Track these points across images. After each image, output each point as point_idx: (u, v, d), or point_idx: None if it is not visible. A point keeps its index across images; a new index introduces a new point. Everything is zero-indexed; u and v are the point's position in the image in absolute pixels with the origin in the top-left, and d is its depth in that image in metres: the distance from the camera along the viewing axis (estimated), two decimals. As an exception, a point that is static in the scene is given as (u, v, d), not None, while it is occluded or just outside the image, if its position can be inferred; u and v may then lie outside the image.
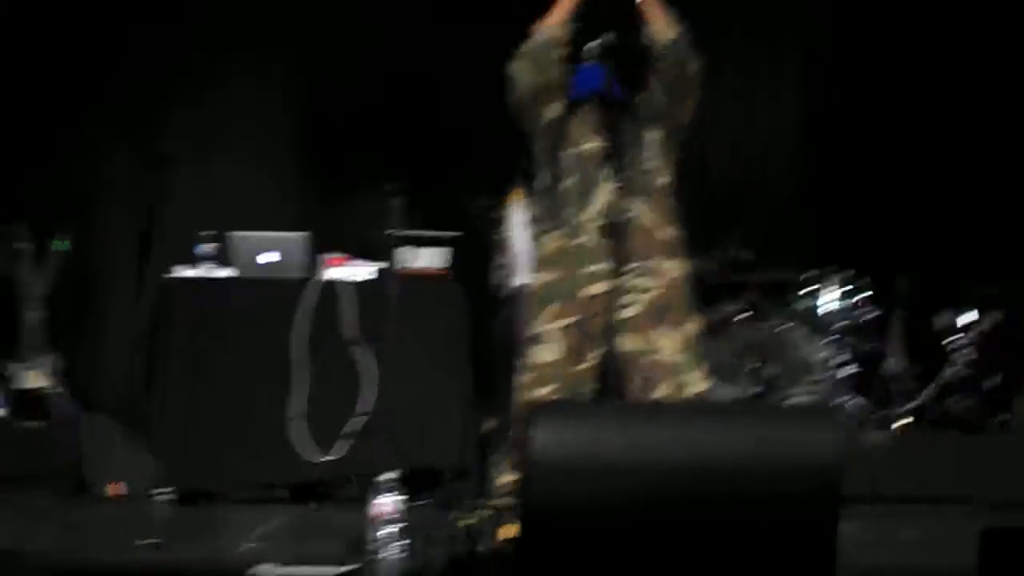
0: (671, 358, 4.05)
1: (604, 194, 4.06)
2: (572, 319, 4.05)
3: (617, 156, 3.99)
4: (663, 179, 4.17)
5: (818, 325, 6.39)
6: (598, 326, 4.06)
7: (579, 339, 4.05)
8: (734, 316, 6.47)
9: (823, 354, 6.30)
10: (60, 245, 6.08)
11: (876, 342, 6.35)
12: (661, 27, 4.10)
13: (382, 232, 5.27)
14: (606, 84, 4.10)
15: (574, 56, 4.22)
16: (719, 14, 6.98)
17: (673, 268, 4.14)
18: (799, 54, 7.15)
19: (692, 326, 4.14)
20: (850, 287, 6.34)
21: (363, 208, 6.11)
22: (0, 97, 6.39)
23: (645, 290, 4.06)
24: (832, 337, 6.35)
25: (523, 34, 4.21)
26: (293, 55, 6.76)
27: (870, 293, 6.34)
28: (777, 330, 6.34)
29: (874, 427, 6.03)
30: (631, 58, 4.17)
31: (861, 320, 6.35)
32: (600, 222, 4.05)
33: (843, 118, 6.88)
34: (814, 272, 6.39)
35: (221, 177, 6.65)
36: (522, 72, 4.12)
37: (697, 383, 4.09)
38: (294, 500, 5.24)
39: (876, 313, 6.35)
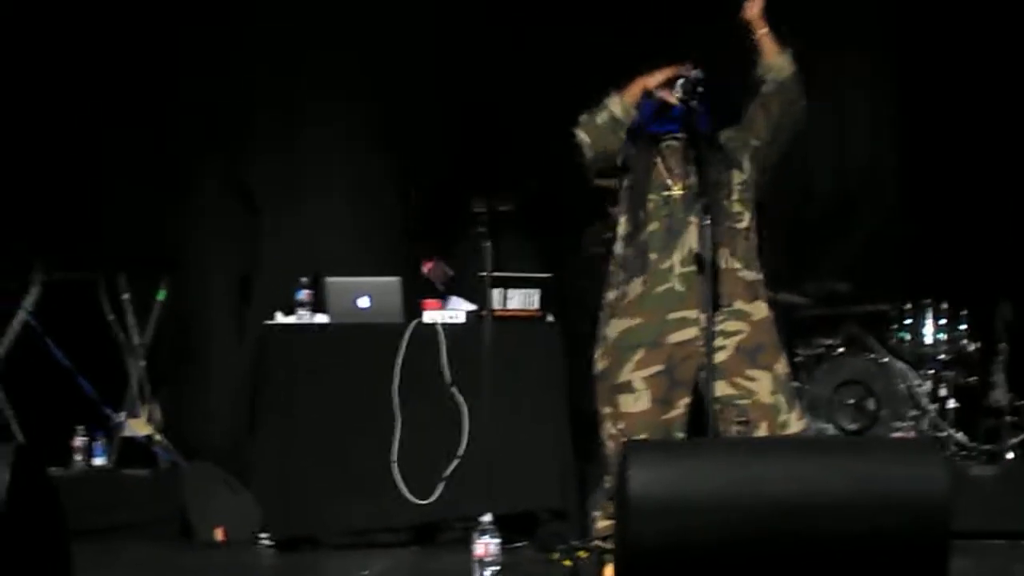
0: (766, 400, 3.97)
1: (689, 238, 4.00)
2: (659, 367, 4.00)
3: (702, 198, 3.90)
4: (746, 221, 4.10)
5: (919, 357, 6.29)
6: (687, 372, 4.01)
7: (667, 387, 3.99)
8: (833, 349, 6.39)
9: (925, 387, 6.19)
10: (160, 294, 6.19)
11: (980, 374, 6.22)
12: (780, 62, 4.09)
13: (476, 274, 5.30)
14: (691, 119, 4.04)
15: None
16: (815, 41, 6.96)
17: (759, 310, 4.06)
18: (893, 84, 7.07)
19: (782, 366, 4.06)
20: (951, 318, 6.23)
21: (457, 251, 6.14)
22: (97, 149, 6.54)
23: (733, 333, 4.00)
24: (934, 369, 6.24)
25: (616, 82, 4.21)
26: (387, 97, 6.82)
27: (970, 324, 6.23)
28: (878, 363, 6.24)
29: (981, 461, 5.90)
30: (720, 95, 4.14)
31: (963, 351, 6.23)
32: (686, 268, 4.00)
33: (938, 146, 6.78)
34: (913, 303, 6.29)
35: (316, 222, 6.73)
36: (586, 143, 4.15)
37: (794, 423, 4.02)
38: (394, 545, 5.25)
39: (978, 344, 6.23)
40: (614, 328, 4.09)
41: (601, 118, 4.12)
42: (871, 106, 7.09)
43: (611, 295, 4.14)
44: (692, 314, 3.96)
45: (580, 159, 4.20)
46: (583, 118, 4.16)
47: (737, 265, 4.04)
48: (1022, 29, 6.59)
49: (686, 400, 4.02)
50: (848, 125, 7.07)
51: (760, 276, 4.13)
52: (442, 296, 5.69)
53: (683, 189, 4.06)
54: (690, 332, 3.97)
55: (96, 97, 6.54)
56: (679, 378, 4.00)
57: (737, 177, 4.11)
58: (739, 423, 3.94)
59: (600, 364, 4.12)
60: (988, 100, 6.71)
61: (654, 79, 4.11)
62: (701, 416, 3.97)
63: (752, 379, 3.96)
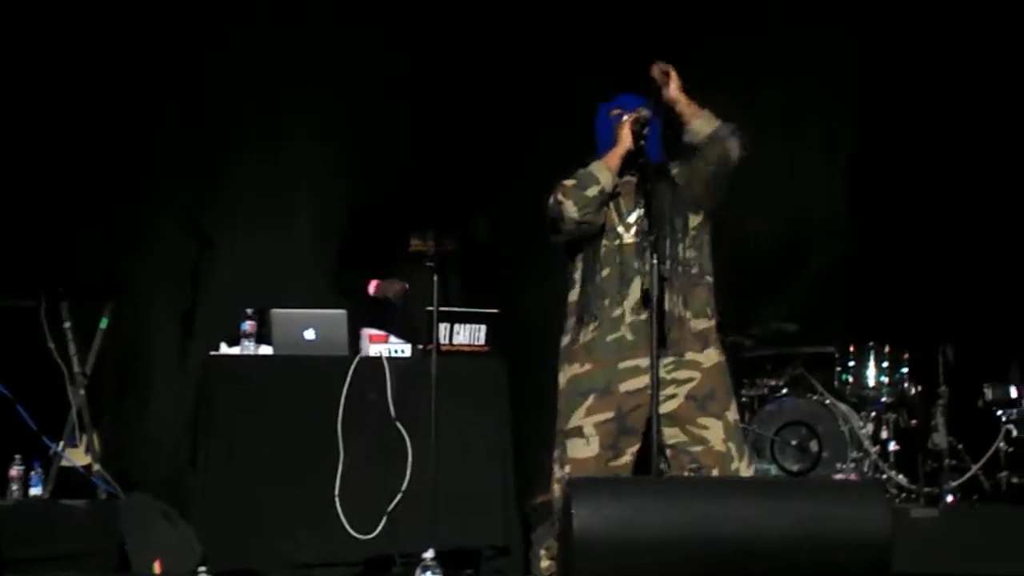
0: (719, 447, 3.96)
1: (640, 286, 3.98)
2: (609, 414, 3.98)
3: (650, 235, 3.88)
4: (697, 267, 4.09)
5: (862, 399, 6.34)
6: (637, 420, 3.99)
7: (616, 434, 3.98)
8: (777, 390, 6.43)
9: (867, 429, 6.24)
10: (103, 322, 6.12)
11: (921, 416, 6.28)
12: (698, 124, 4.06)
13: (422, 309, 5.29)
14: (639, 157, 4.04)
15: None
16: (760, 84, 7.06)
17: (709, 357, 4.06)
18: (843, 126, 7.16)
19: (733, 413, 4.06)
20: (893, 361, 6.29)
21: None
22: (41, 172, 6.47)
23: (684, 382, 4.00)
24: (876, 411, 6.29)
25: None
26: (343, 129, 6.82)
27: (912, 367, 6.29)
28: (821, 404, 6.28)
29: (922, 503, 5.94)
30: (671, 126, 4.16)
31: (905, 394, 6.29)
32: (637, 316, 3.98)
33: (885, 189, 6.87)
34: (856, 345, 6.35)
35: (261, 254, 6.70)
36: (572, 216, 4.00)
37: (744, 471, 4.01)
38: (336, 579, 5.21)
39: (920, 387, 6.29)
40: (565, 373, 4.09)
41: (592, 192, 3.98)
42: (820, 147, 7.17)
43: (564, 340, 4.13)
44: (643, 362, 3.93)
45: (556, 225, 4.07)
46: (569, 189, 4.00)
47: (688, 314, 4.03)
48: (978, 73, 6.69)
49: (634, 447, 4.00)
50: (796, 165, 7.15)
51: (712, 323, 4.11)
52: (375, 323, 5.63)
53: (635, 236, 4.04)
54: (641, 380, 3.94)
55: (44, 120, 6.48)
56: (629, 425, 3.99)
57: (692, 221, 4.11)
58: (691, 470, 3.95)
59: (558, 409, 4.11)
60: (936, 146, 6.81)
61: (625, 143, 4.03)
62: (650, 461, 3.96)
63: (704, 427, 3.96)
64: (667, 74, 4.05)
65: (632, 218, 4.08)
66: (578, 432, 4.00)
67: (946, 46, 6.79)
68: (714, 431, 3.98)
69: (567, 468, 3.99)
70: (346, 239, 6.50)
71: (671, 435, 3.97)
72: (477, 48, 6.79)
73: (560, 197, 4.02)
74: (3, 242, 6.28)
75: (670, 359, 3.98)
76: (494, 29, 6.82)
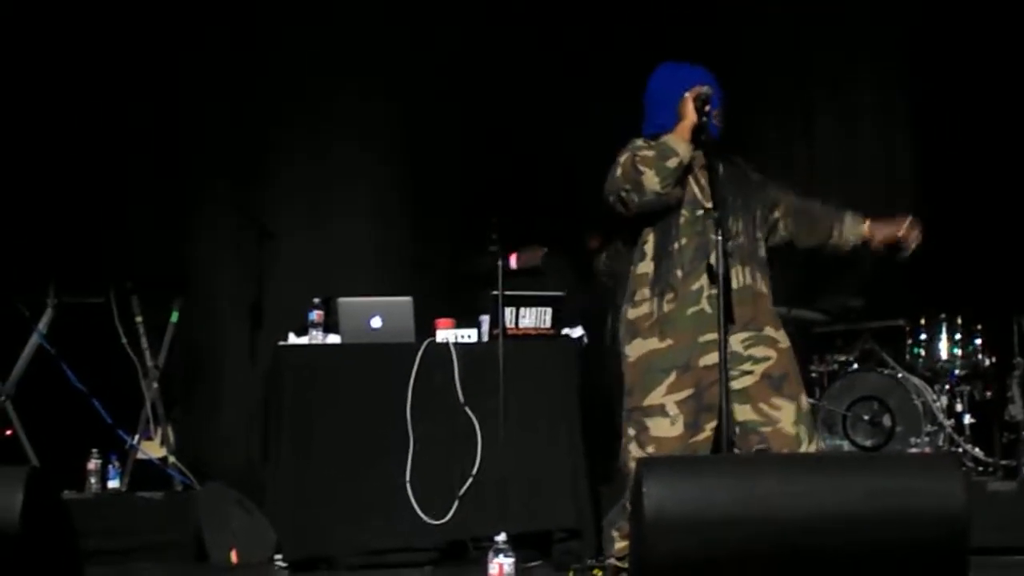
0: (789, 430, 3.88)
1: (716, 259, 3.83)
2: (689, 391, 3.91)
3: (718, 222, 3.77)
4: (763, 250, 4.04)
5: (935, 372, 6.26)
6: (715, 396, 3.86)
7: (696, 410, 3.90)
8: (848, 365, 6.37)
9: (941, 402, 6.16)
10: (174, 317, 6.19)
11: (996, 388, 6.19)
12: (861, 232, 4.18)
13: (489, 293, 5.30)
14: (702, 134, 3.99)
15: None
16: (828, 55, 7.01)
17: (784, 338, 4.00)
18: (905, 97, 7.08)
19: (806, 398, 4.00)
20: (965, 333, 6.21)
21: (470, 269, 6.14)
22: (103, 171, 6.56)
23: (762, 359, 3.94)
24: (949, 384, 6.21)
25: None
26: (396, 119, 6.86)
27: (985, 338, 6.20)
28: (893, 379, 6.22)
29: (999, 476, 5.86)
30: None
31: (979, 366, 6.21)
32: (714, 289, 3.87)
33: (952, 159, 6.77)
34: (927, 318, 6.27)
35: (328, 243, 6.75)
36: (654, 188, 3.88)
37: None
38: (409, 565, 5.23)
39: (994, 358, 6.20)
40: (638, 348, 3.98)
41: (672, 163, 3.88)
42: (883, 120, 7.10)
43: (633, 313, 4.02)
44: (719, 337, 3.81)
45: (630, 196, 3.94)
46: (650, 159, 3.89)
47: (765, 291, 4.01)
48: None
49: (713, 423, 3.92)
50: (860, 138, 7.08)
51: (778, 308, 4.11)
52: (523, 286, 5.63)
53: (709, 207, 3.93)
54: (718, 355, 3.81)
55: (110, 119, 6.58)
56: (708, 402, 3.89)
57: (764, 212, 4.09)
58: (760, 450, 3.90)
59: (627, 383, 4.04)
60: (1001, 113, 6.70)
61: (691, 118, 3.93)
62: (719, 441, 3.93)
63: (776, 407, 3.89)
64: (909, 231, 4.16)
65: (704, 185, 4.01)
66: (660, 410, 3.91)
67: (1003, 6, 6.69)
68: (786, 412, 3.92)
69: (650, 448, 3.93)
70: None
71: (741, 413, 3.91)
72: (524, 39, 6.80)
73: (641, 167, 3.90)
74: (71, 240, 6.38)
75: (749, 333, 3.92)
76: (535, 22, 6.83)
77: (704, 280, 3.93)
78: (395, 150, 6.87)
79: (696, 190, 4.01)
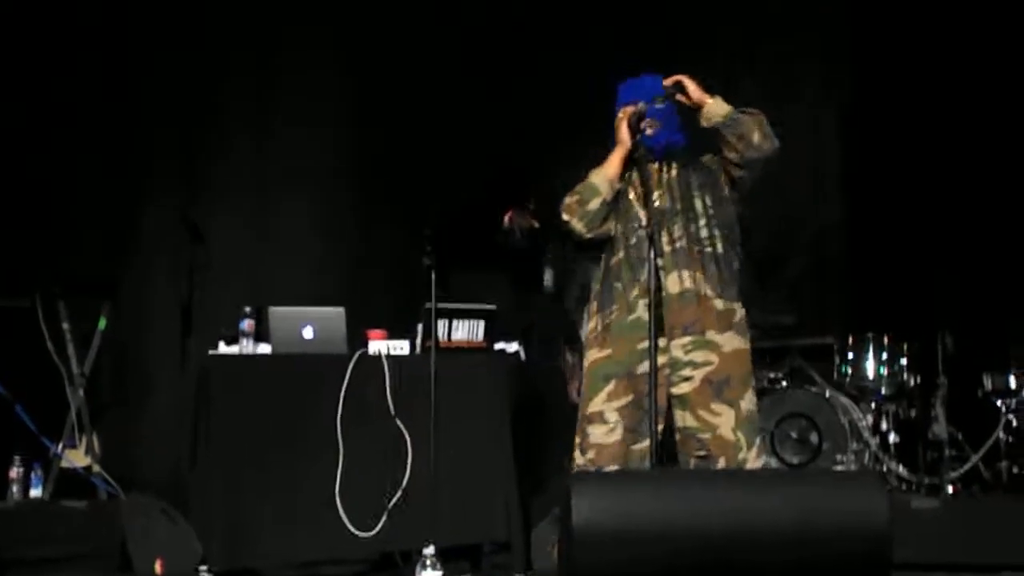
0: (727, 436, 3.94)
1: (655, 265, 3.96)
2: (628, 397, 3.98)
3: (651, 238, 3.92)
4: (718, 248, 4.10)
5: (861, 390, 6.34)
6: (656, 402, 3.93)
7: (636, 417, 3.97)
8: (777, 382, 6.43)
9: (867, 420, 6.24)
10: (101, 323, 6.12)
11: (921, 407, 6.28)
12: (709, 108, 4.09)
13: (420, 305, 5.29)
14: (639, 148, 4.06)
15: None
16: (753, 70, 7.06)
17: (731, 341, 4.04)
18: (835, 113, 7.16)
19: (748, 402, 4.02)
20: (892, 351, 6.29)
21: (400, 281, 6.14)
22: (34, 172, 6.47)
23: (702, 364, 3.99)
24: (875, 402, 6.29)
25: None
26: (343, 112, 6.82)
27: (911, 357, 6.29)
28: (821, 396, 6.28)
29: (923, 494, 5.94)
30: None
31: (905, 385, 6.29)
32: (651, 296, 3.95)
33: (881, 177, 6.86)
34: (855, 336, 6.35)
35: (266, 244, 6.71)
36: (581, 231, 4.12)
37: (752, 462, 3.99)
38: (337, 577, 5.21)
39: (919, 377, 6.29)
40: (588, 359, 4.13)
41: (592, 205, 4.09)
42: (815, 132, 7.16)
43: (586, 329, 4.17)
44: (660, 342, 3.95)
45: (571, 237, 4.18)
46: (571, 205, 4.12)
47: (709, 292, 4.04)
48: (973, 53, 6.68)
49: (658, 427, 3.98)
50: (791, 155, 7.12)
51: (735, 306, 4.10)
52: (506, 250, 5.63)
53: (647, 219, 4.04)
54: (658, 360, 3.93)
55: (40, 119, 6.49)
56: (648, 407, 3.94)
57: (712, 201, 4.13)
58: (699, 456, 3.94)
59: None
60: (931, 131, 6.80)
61: (624, 143, 4.09)
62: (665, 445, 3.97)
63: (716, 413, 3.94)
64: (680, 84, 4.09)
65: (644, 195, 4.12)
66: (599, 418, 4.01)
67: (942, 8, 6.78)
68: (725, 418, 3.96)
69: (590, 454, 3.98)
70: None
71: (682, 419, 3.96)
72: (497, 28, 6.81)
73: (566, 217, 4.13)
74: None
75: (690, 338, 3.98)
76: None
77: (643, 286, 4.01)
78: (341, 146, 6.81)
79: (635, 204, 4.08)
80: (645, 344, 3.93)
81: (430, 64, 6.79)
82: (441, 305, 5.23)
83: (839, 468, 6.06)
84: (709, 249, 4.09)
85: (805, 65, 7.15)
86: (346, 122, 6.81)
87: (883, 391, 6.31)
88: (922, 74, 6.81)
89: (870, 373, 6.32)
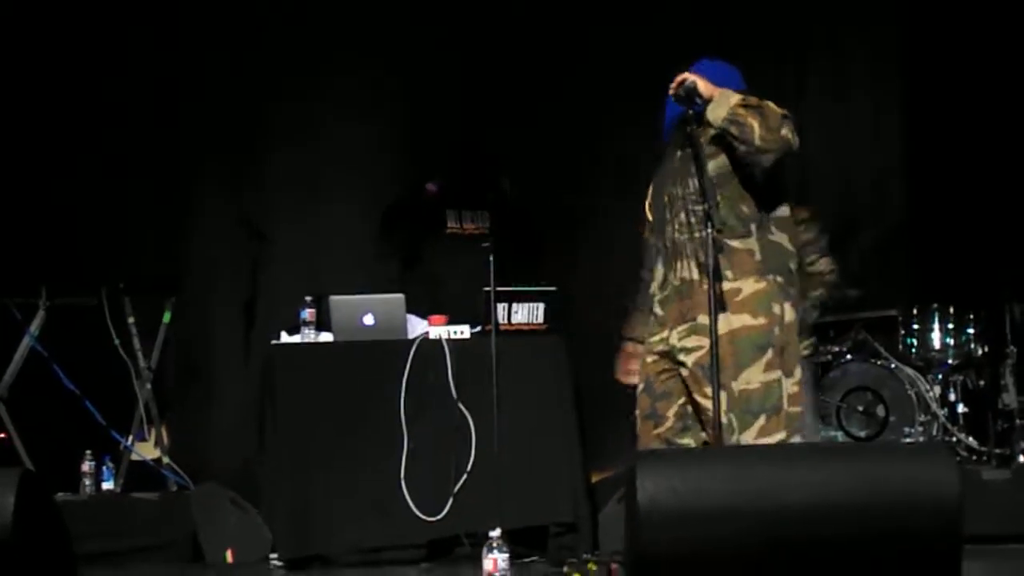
0: (721, 419, 3.83)
1: (669, 259, 4.06)
2: (641, 385, 4.08)
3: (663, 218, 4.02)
4: (709, 229, 3.85)
5: (928, 362, 6.26)
6: (663, 383, 4.02)
7: (651, 402, 4.04)
8: (842, 356, 6.37)
9: (935, 392, 6.17)
10: (166, 317, 6.19)
11: (989, 377, 6.20)
12: (712, 108, 3.90)
13: (480, 289, 5.29)
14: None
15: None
16: (818, 45, 7.00)
17: (729, 322, 3.88)
18: (898, 85, 7.06)
19: (743, 383, 3.87)
20: (958, 322, 6.21)
21: (462, 266, 6.14)
22: (95, 171, 6.55)
23: (693, 350, 3.94)
24: (943, 374, 6.22)
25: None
26: (395, 104, 6.83)
27: (978, 327, 6.21)
28: (887, 369, 6.22)
29: (993, 465, 5.87)
30: None
31: (972, 355, 6.21)
32: (662, 292, 4.06)
33: (944, 148, 6.76)
34: (920, 308, 6.27)
35: (323, 236, 6.74)
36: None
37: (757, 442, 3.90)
38: (405, 562, 5.23)
39: (987, 347, 6.20)
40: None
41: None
42: (875, 107, 7.07)
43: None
44: (664, 332, 4.03)
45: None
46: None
47: (696, 276, 3.98)
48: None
49: (673, 409, 4.00)
50: (853, 128, 7.06)
51: (737, 284, 3.92)
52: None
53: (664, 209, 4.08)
54: (661, 348, 4.03)
55: (101, 119, 6.56)
56: (659, 390, 4.02)
57: (695, 183, 3.95)
58: (705, 443, 3.97)
59: None
60: (993, 101, 6.69)
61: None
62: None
63: (709, 396, 3.82)
64: (682, 84, 3.94)
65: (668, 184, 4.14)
66: (635, 406, 4.11)
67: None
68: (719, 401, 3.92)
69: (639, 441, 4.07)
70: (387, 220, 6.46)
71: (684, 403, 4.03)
72: (523, 26, 6.79)
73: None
74: (62, 241, 6.37)
75: (685, 325, 3.98)
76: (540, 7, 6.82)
77: (656, 284, 4.10)
78: (393, 135, 6.82)
79: (658, 183, 4.14)
80: (654, 336, 4.06)
81: (477, 55, 6.78)
82: (500, 288, 5.23)
83: (907, 441, 6.00)
84: (696, 234, 3.95)
85: (864, 41, 7.05)
86: (391, 115, 6.82)
87: (950, 362, 6.23)
88: (984, 42, 6.70)
89: (936, 344, 6.24)
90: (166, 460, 6.02)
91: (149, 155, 6.68)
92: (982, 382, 6.26)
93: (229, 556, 5.38)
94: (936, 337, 6.23)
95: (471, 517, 5.17)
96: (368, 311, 5.38)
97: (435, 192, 6.05)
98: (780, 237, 4.01)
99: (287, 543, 5.23)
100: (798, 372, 3.98)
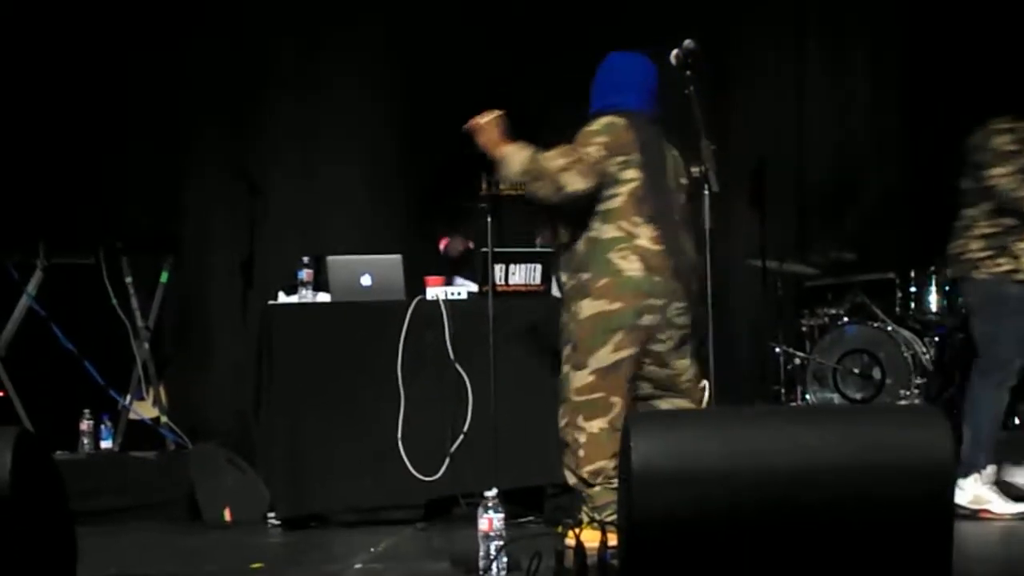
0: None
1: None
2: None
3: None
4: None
5: (924, 325, 6.27)
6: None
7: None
8: (838, 319, 6.38)
9: (931, 354, 6.18)
10: (164, 277, 6.19)
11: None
12: (500, 168, 4.38)
13: (478, 250, 5.29)
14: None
15: None
16: (814, 15, 6.96)
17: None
18: (895, 51, 7.04)
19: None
20: (955, 284, 6.21)
21: (458, 227, 6.13)
22: (93, 132, 6.53)
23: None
24: (939, 336, 6.23)
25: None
26: (401, 78, 6.80)
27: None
28: (883, 331, 6.23)
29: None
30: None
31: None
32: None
33: (941, 111, 6.75)
34: (917, 271, 6.27)
35: (321, 193, 6.73)
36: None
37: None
38: (401, 521, 5.26)
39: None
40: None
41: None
42: (872, 72, 7.06)
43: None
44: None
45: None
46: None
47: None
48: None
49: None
50: (850, 93, 7.05)
51: (577, 282, 4.38)
52: (447, 275, 5.67)
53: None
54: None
55: (96, 80, 6.54)
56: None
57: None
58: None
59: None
60: (990, 69, 6.67)
61: None
62: None
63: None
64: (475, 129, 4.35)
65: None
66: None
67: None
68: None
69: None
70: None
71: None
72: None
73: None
74: (59, 201, 6.37)
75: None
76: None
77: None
78: (391, 93, 6.79)
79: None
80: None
81: (478, 17, 6.74)
82: (498, 249, 5.23)
83: (903, 403, 6.01)
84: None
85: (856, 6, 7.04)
86: (393, 72, 6.79)
87: (946, 324, 6.24)
88: (980, 14, 6.68)
89: (933, 307, 6.25)
90: (164, 419, 6.04)
91: (147, 115, 6.67)
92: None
93: (227, 515, 5.40)
94: (933, 300, 6.25)
95: (468, 477, 5.20)
96: (366, 271, 5.38)
97: (448, 247, 6.09)
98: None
99: (284, 502, 5.25)
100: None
